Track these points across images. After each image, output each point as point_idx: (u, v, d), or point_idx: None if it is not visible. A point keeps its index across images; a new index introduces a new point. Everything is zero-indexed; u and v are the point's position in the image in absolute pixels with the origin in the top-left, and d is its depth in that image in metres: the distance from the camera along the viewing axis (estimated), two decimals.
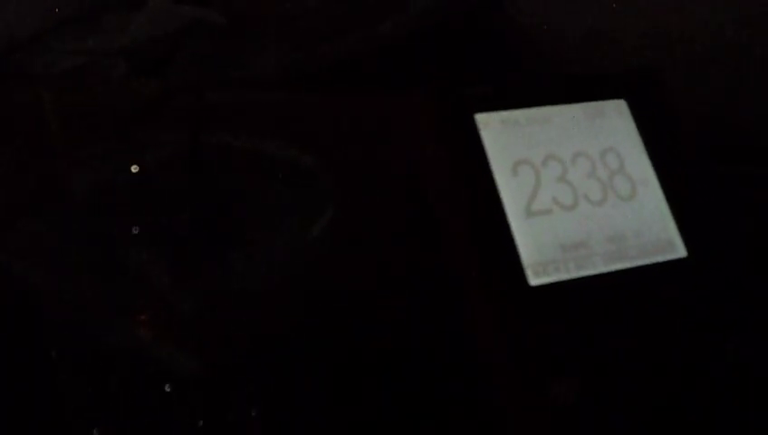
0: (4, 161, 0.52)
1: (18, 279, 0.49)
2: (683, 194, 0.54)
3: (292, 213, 0.51)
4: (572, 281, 0.49)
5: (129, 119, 0.53)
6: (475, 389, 0.47)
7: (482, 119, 0.51)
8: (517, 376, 0.48)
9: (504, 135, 0.51)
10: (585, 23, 0.64)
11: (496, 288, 0.48)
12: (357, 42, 0.61)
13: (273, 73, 0.60)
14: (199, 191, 0.52)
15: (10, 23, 0.59)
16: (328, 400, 0.49)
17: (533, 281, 0.49)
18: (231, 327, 0.49)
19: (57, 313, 0.49)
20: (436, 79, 0.58)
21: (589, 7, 0.65)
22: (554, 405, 0.47)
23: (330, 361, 0.49)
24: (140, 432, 0.48)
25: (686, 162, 0.55)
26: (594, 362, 0.49)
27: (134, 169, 0.50)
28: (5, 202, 0.51)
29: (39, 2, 0.59)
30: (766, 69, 0.65)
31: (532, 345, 0.48)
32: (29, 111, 0.54)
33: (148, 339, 0.48)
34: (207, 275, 0.50)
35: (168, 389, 0.47)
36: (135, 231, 0.49)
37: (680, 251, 0.53)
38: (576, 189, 0.51)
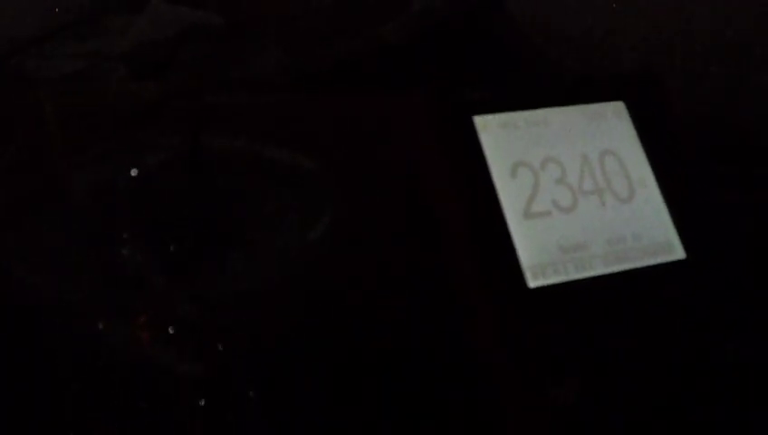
0: (5, 163, 0.52)
1: (18, 279, 0.49)
2: (682, 196, 0.54)
3: (292, 213, 0.51)
4: (571, 283, 0.49)
5: (129, 121, 0.53)
6: (475, 389, 0.47)
7: (481, 121, 0.51)
8: (517, 376, 0.47)
9: (502, 137, 0.51)
10: (585, 23, 0.64)
11: (496, 290, 0.48)
12: (357, 42, 0.61)
13: (272, 74, 0.60)
14: (199, 192, 0.52)
15: (10, 26, 0.59)
16: (328, 400, 0.49)
17: (533, 283, 0.48)
18: (231, 328, 0.49)
19: (57, 313, 0.49)
20: (436, 79, 0.58)
21: (588, 8, 0.65)
22: (554, 405, 0.47)
23: (330, 361, 0.49)
24: (140, 432, 0.48)
25: (685, 164, 0.55)
26: (594, 363, 0.49)
27: (133, 172, 0.50)
28: (6, 203, 0.51)
29: (39, 5, 0.59)
30: (766, 69, 0.65)
31: (531, 346, 0.48)
32: (29, 114, 0.54)
33: (147, 339, 0.48)
34: (207, 276, 0.50)
35: (167, 389, 0.47)
36: (135, 232, 0.49)
37: (679, 253, 0.52)
38: (575, 191, 0.51)
